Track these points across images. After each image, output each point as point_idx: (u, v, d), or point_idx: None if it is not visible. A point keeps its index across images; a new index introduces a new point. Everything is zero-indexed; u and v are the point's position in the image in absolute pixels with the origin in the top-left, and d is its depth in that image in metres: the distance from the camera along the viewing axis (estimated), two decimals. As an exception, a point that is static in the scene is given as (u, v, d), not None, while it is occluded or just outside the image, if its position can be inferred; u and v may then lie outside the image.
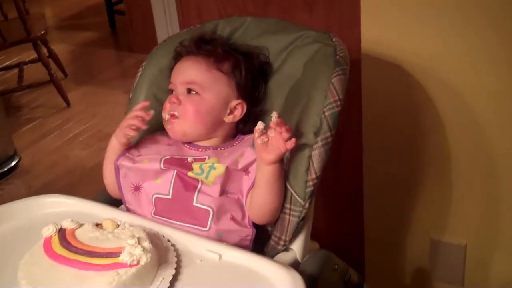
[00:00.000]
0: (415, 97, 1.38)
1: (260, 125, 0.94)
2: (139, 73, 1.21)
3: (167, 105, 1.10)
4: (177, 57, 1.15)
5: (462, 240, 1.45)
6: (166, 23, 2.56)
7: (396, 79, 1.38)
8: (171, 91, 1.12)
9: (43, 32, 3.08)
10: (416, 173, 1.46)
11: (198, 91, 1.08)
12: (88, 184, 2.39)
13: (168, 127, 1.10)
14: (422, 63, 1.33)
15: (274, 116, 0.94)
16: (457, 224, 1.45)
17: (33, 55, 3.26)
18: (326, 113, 0.99)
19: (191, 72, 1.09)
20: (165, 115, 1.09)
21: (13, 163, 2.57)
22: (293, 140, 0.92)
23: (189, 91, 1.08)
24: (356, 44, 1.38)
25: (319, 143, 0.98)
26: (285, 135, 0.92)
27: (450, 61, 1.30)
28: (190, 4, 1.59)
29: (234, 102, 1.10)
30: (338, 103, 0.99)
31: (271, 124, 0.93)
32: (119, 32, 4.27)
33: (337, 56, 1.04)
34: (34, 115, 3.13)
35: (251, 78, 1.11)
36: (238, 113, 1.10)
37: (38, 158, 2.69)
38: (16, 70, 3.39)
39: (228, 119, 1.10)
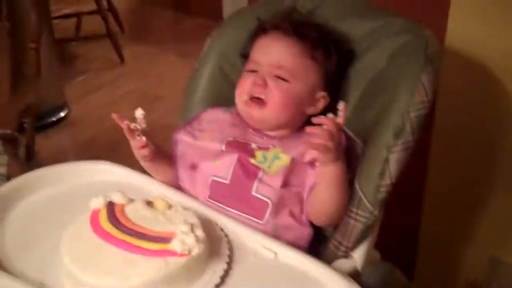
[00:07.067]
0: (495, 102, 1.26)
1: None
2: (207, 43, 1.13)
3: (247, 85, 0.98)
4: (260, 31, 1.03)
5: (526, 262, 1.35)
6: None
7: (479, 80, 1.27)
8: (251, 70, 1.00)
9: (104, -17, 3.04)
10: (484, 183, 1.35)
11: (287, 77, 0.97)
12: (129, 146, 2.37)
13: (245, 109, 0.99)
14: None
15: (341, 106, 0.86)
16: (524, 244, 1.35)
17: (92, 6, 3.22)
18: (411, 114, 0.89)
19: (283, 55, 0.98)
20: (244, 96, 0.98)
21: (62, 114, 2.56)
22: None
23: (276, 75, 0.98)
24: (440, 36, 1.26)
25: (399, 147, 0.89)
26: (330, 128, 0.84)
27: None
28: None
29: (319, 94, 1.00)
30: (427, 104, 0.89)
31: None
32: (179, -8, 4.20)
33: (429, 51, 0.94)
34: (87, 67, 3.10)
35: (339, 69, 1.02)
36: (321, 105, 1.01)
37: (86, 112, 2.67)
38: (73, 20, 3.37)
39: (310, 110, 1.00)
